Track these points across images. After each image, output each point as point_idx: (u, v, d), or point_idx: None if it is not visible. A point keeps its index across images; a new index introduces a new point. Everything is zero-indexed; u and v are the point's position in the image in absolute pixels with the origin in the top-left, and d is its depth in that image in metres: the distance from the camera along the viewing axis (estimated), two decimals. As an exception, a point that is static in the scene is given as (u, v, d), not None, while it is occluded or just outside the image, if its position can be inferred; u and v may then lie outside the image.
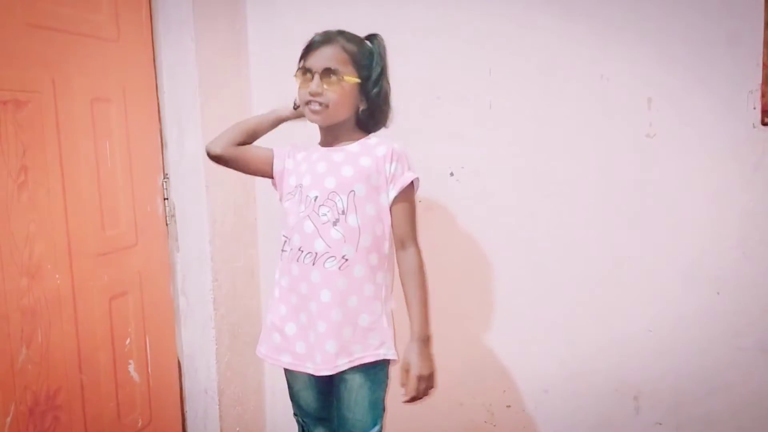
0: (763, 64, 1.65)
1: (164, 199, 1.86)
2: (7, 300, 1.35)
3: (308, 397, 1.61)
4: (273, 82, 2.03)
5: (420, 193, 1.99)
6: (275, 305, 1.53)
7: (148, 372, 1.79)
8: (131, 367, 1.73)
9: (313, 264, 1.42)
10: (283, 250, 1.52)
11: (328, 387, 1.59)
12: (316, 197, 1.44)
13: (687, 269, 1.82)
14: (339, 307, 1.42)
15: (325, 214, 1.42)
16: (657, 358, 1.88)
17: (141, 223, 1.76)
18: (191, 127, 1.84)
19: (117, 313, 1.67)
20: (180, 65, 1.81)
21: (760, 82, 1.66)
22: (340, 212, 1.42)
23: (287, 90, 1.51)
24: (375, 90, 1.44)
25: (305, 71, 1.42)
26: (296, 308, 1.46)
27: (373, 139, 1.49)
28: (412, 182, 1.46)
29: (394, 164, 1.44)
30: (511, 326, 1.99)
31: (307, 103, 1.43)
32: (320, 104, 1.41)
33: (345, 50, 1.42)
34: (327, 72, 1.39)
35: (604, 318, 1.90)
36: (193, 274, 1.92)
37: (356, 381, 1.48)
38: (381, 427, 1.56)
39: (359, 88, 1.42)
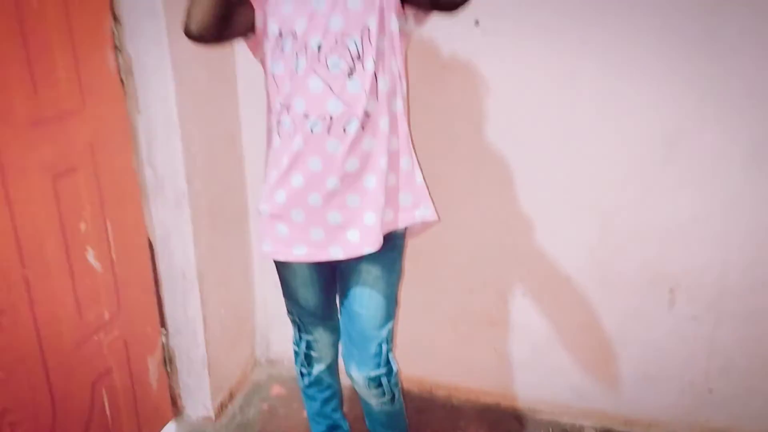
0: None
1: (115, 49, 1.48)
2: None
3: (308, 294, 1.42)
4: None
5: (437, 47, 1.63)
6: (269, 193, 1.27)
7: (111, 258, 1.53)
8: (90, 255, 1.46)
9: (329, 131, 1.17)
10: (278, 123, 1.23)
11: (332, 281, 1.41)
12: (320, 46, 1.15)
13: (751, 147, 1.52)
14: (372, 174, 1.22)
15: (337, 65, 1.15)
16: (701, 247, 1.64)
17: (87, 81, 1.40)
18: (144, -48, 1.42)
19: (65, 195, 1.37)
20: None
21: None
22: (355, 58, 1.15)
23: None
24: None
25: None
26: (303, 190, 1.22)
27: None
28: None
29: None
30: (532, 205, 1.72)
31: None
32: None
33: None
34: None
35: (642, 200, 1.63)
36: (159, 142, 1.60)
37: (372, 273, 1.30)
38: (393, 324, 1.36)
39: None
